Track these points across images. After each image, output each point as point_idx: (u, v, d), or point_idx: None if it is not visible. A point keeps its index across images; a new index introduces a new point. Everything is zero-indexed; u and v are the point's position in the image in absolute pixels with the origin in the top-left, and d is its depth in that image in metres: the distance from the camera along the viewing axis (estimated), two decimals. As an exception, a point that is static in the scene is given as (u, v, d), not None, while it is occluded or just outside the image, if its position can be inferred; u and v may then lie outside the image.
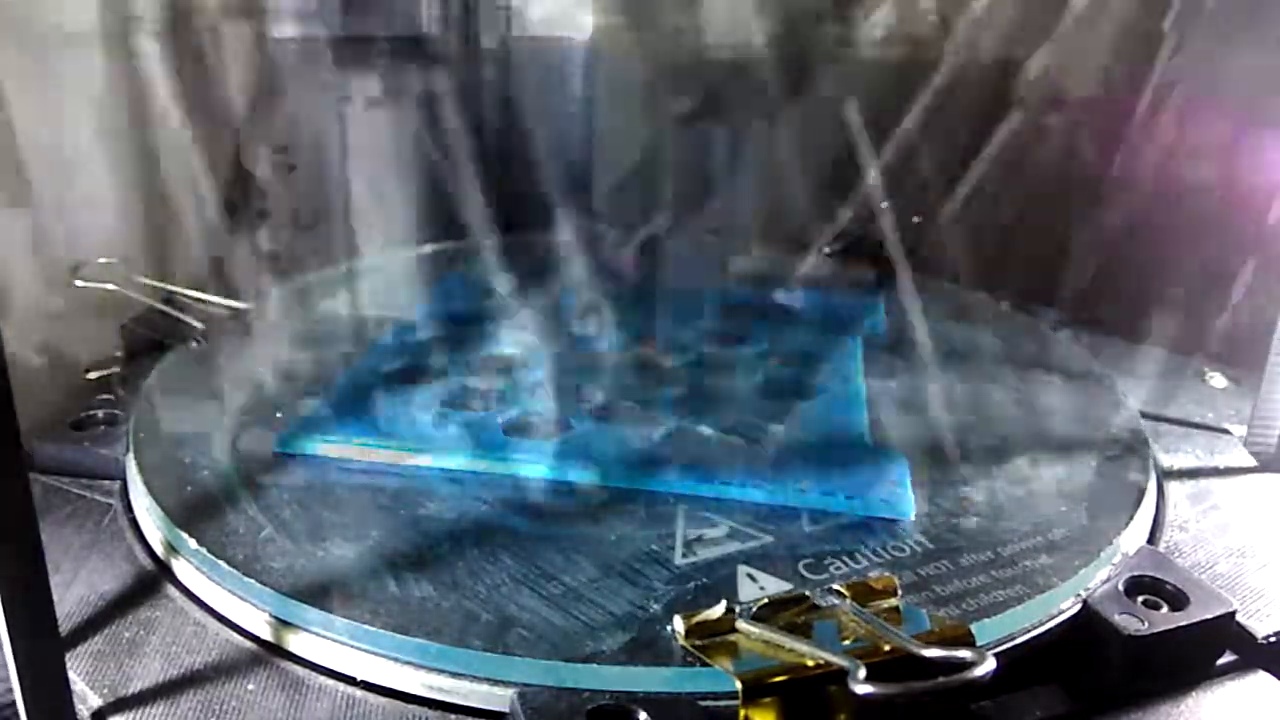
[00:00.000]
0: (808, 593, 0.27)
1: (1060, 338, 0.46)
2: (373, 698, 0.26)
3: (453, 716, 0.25)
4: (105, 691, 0.26)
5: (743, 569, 0.29)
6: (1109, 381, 0.41)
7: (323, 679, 0.27)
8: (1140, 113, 0.50)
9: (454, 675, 0.26)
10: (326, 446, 0.34)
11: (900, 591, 0.27)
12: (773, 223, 0.57)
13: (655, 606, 0.27)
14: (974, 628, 0.26)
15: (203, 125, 0.48)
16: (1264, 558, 0.32)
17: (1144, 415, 0.39)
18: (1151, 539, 0.32)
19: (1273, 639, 0.28)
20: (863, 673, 0.23)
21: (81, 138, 0.45)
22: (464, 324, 0.45)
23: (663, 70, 0.56)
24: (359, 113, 0.54)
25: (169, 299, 0.44)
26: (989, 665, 0.23)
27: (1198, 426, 0.40)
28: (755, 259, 0.55)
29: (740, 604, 0.27)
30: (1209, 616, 0.27)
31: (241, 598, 0.28)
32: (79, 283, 0.42)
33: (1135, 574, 0.29)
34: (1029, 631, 0.28)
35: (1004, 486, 0.33)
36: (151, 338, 0.42)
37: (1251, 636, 0.28)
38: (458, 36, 0.58)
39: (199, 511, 0.31)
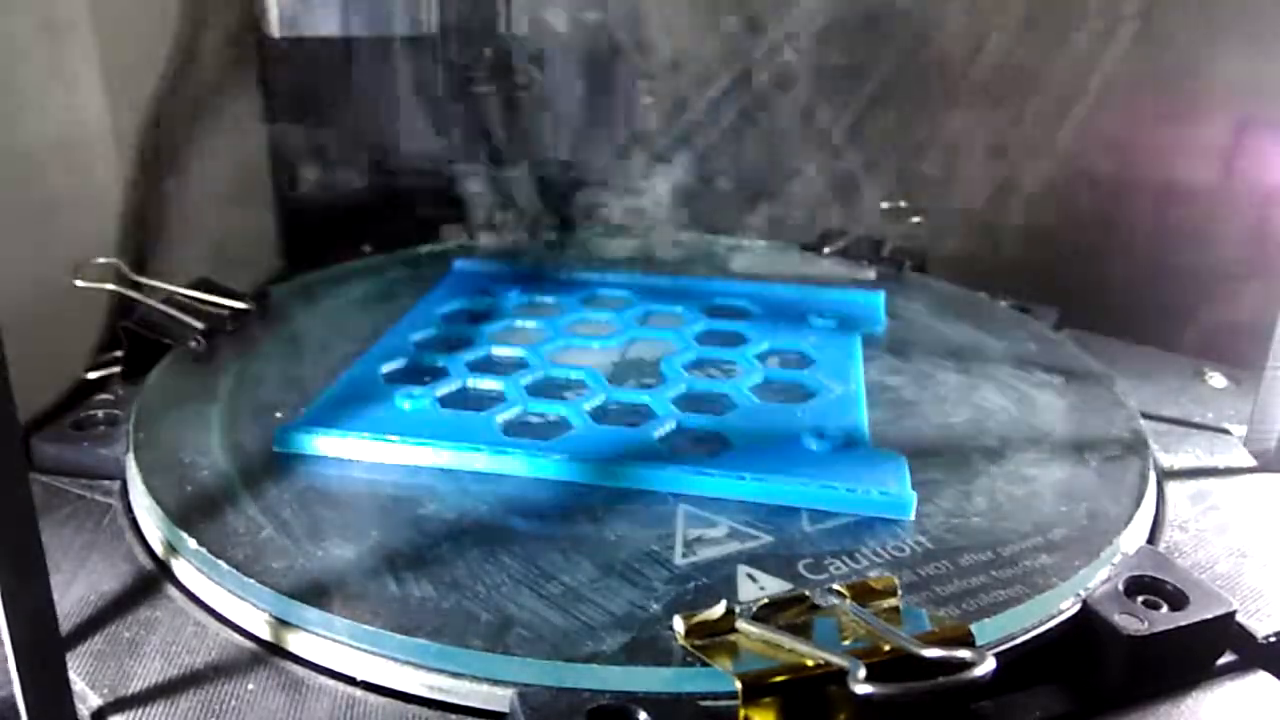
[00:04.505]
0: (808, 593, 0.27)
1: (1060, 337, 0.46)
2: (373, 698, 0.26)
3: (453, 716, 0.25)
4: (105, 691, 0.26)
5: (743, 569, 0.29)
6: (1109, 381, 0.41)
7: (323, 679, 0.27)
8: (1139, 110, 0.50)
9: (454, 675, 0.26)
10: (326, 444, 0.34)
11: (900, 591, 0.27)
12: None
13: (655, 606, 0.27)
14: (974, 628, 0.26)
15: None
16: (1264, 558, 0.32)
17: (1144, 415, 0.39)
18: (1151, 539, 0.32)
19: (1273, 639, 0.28)
20: (863, 673, 0.23)
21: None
22: (465, 322, 0.45)
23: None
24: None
25: (169, 299, 0.44)
26: (989, 665, 0.23)
27: (1198, 426, 0.40)
28: (755, 255, 0.55)
29: (740, 604, 0.27)
30: (1209, 616, 0.27)
31: (241, 598, 0.28)
32: (79, 283, 0.42)
33: (1135, 574, 0.29)
34: (1029, 631, 0.28)
35: (1004, 486, 0.33)
36: (151, 338, 0.42)
37: (1251, 636, 0.28)
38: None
39: (199, 511, 0.31)
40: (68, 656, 0.26)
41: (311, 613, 0.27)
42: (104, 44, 0.45)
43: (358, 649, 0.27)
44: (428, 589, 0.28)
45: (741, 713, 0.23)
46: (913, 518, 0.31)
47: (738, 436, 0.35)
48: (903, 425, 0.37)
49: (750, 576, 0.29)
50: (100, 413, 0.38)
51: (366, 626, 0.26)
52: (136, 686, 0.26)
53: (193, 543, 0.30)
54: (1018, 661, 0.27)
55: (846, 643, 0.25)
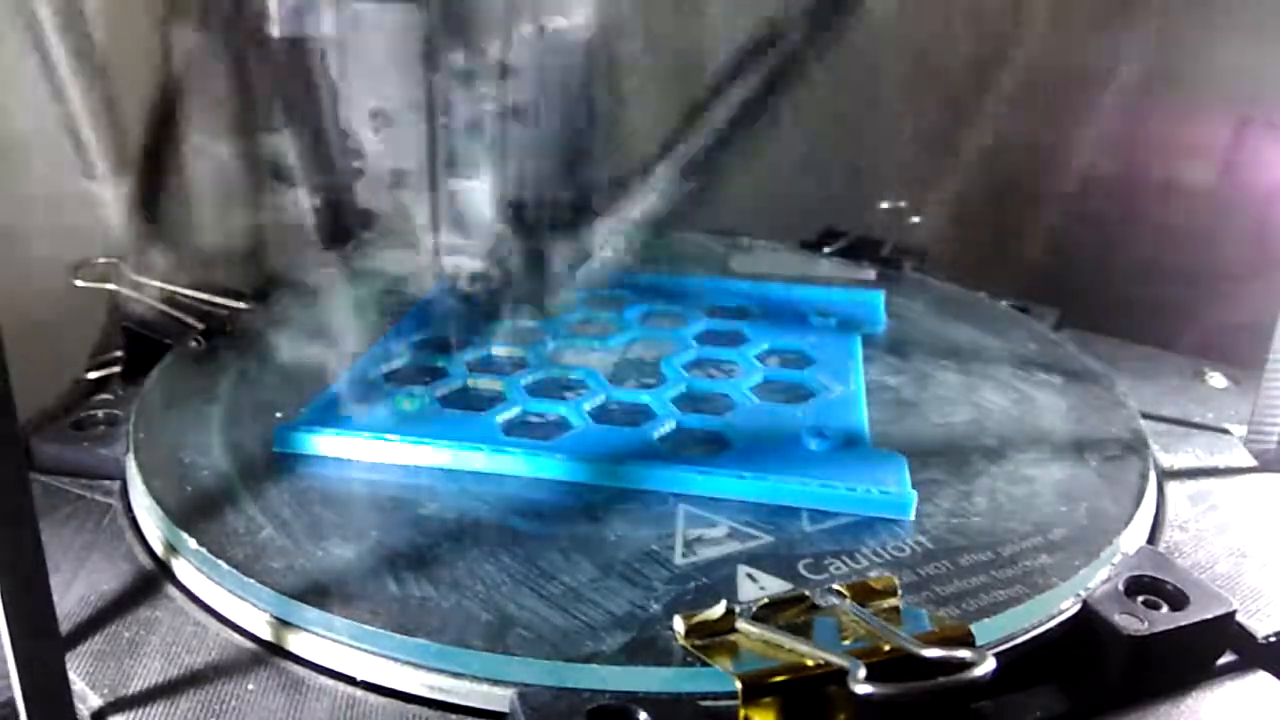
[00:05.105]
0: (808, 593, 0.27)
1: (1060, 337, 0.46)
2: (373, 698, 0.26)
3: (453, 716, 0.25)
4: (105, 691, 0.26)
5: (743, 569, 0.29)
6: (1109, 381, 0.41)
7: (323, 679, 0.27)
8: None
9: (454, 675, 0.26)
10: (326, 443, 0.34)
11: (900, 591, 0.27)
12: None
13: (655, 606, 0.27)
14: (974, 628, 0.26)
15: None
16: (1264, 558, 0.32)
17: (1144, 415, 0.39)
18: (1151, 539, 0.32)
19: (1273, 639, 0.28)
20: (863, 673, 0.23)
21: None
22: (464, 322, 0.45)
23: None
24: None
25: (169, 299, 0.44)
26: (989, 665, 0.23)
27: (1198, 426, 0.40)
28: (755, 255, 0.55)
29: (740, 604, 0.27)
30: (1209, 616, 0.27)
31: (241, 598, 0.28)
32: (79, 283, 0.42)
33: (1135, 574, 0.29)
34: (1029, 631, 0.28)
35: (1004, 486, 0.33)
36: (151, 338, 0.42)
37: (1251, 636, 0.28)
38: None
39: (199, 511, 0.31)
40: (68, 656, 0.26)
41: (311, 613, 0.27)
42: (103, 42, 0.45)
43: (358, 649, 0.27)
44: (428, 589, 0.28)
45: (741, 713, 0.23)
46: (913, 518, 0.31)
47: (738, 436, 0.35)
48: (903, 425, 0.37)
49: (750, 576, 0.29)
50: (100, 413, 0.38)
51: (366, 626, 0.26)
52: (136, 686, 0.26)
53: (193, 543, 0.30)
54: (1018, 661, 0.27)
55: (846, 643, 0.25)
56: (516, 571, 0.29)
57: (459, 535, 0.30)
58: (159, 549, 0.31)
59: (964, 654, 0.24)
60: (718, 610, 0.26)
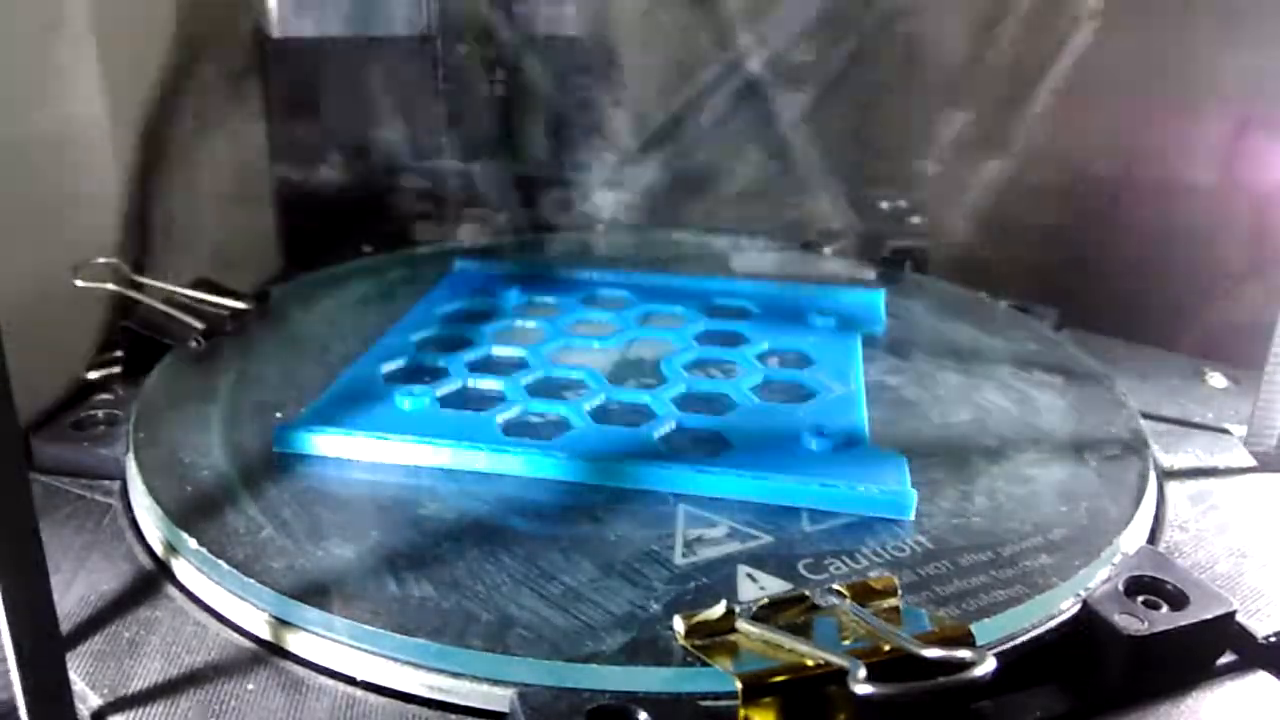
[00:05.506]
0: (808, 593, 0.27)
1: (1060, 337, 0.46)
2: (373, 698, 0.26)
3: (453, 716, 0.25)
4: (105, 691, 0.26)
5: (743, 569, 0.29)
6: (1109, 381, 0.41)
7: (323, 679, 0.27)
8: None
9: (454, 675, 0.26)
10: (326, 444, 0.34)
11: (900, 591, 0.27)
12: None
13: (655, 606, 0.27)
14: (974, 628, 0.26)
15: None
16: (1264, 558, 0.32)
17: (1144, 415, 0.39)
18: (1151, 539, 0.32)
19: (1273, 639, 0.28)
20: (863, 673, 0.23)
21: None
22: (463, 323, 0.45)
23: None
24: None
25: (169, 299, 0.44)
26: (989, 665, 0.23)
27: (1198, 426, 0.40)
28: (755, 254, 0.55)
29: (740, 604, 0.27)
30: (1209, 616, 0.27)
31: (241, 598, 0.28)
32: (79, 283, 0.42)
33: (1135, 574, 0.29)
34: (1029, 631, 0.28)
35: (1004, 486, 0.33)
36: (151, 338, 0.42)
37: (1251, 636, 0.28)
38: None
39: (199, 511, 0.31)
40: (68, 656, 0.26)
41: (311, 613, 0.27)
42: (103, 42, 0.45)
43: (358, 649, 0.27)
44: (428, 589, 0.28)
45: (741, 713, 0.23)
46: (913, 518, 0.31)
47: (738, 436, 0.35)
48: (903, 425, 0.37)
49: (750, 576, 0.29)
50: (100, 413, 0.38)
51: (366, 626, 0.26)
52: (136, 686, 0.26)
53: (193, 543, 0.30)
54: (1018, 661, 0.27)
55: (846, 643, 0.25)
56: (516, 571, 0.29)
57: (459, 535, 0.30)
58: (159, 549, 0.31)
59: (964, 654, 0.24)
60: (718, 610, 0.26)
